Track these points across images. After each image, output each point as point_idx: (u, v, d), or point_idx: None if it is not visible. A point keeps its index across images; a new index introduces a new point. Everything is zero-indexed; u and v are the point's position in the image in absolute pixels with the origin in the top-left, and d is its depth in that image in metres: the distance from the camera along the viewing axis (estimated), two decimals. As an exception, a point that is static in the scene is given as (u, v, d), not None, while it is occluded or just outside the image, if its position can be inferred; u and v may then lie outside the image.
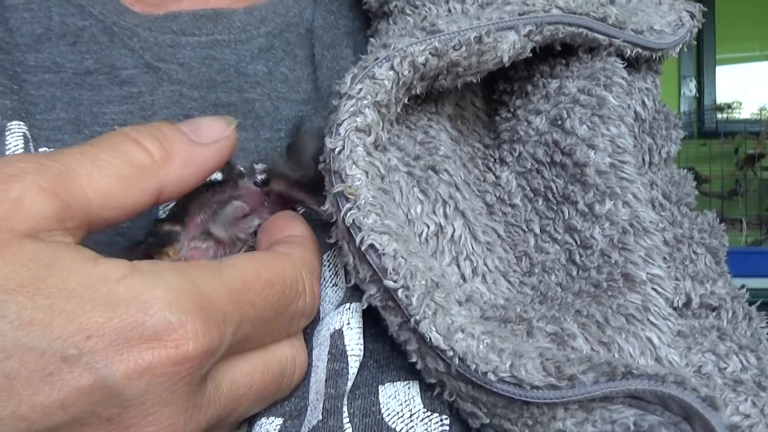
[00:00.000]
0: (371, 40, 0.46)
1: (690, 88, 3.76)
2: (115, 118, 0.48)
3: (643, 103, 0.52)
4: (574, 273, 0.45)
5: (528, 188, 0.49)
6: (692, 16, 0.54)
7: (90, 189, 0.33)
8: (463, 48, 0.44)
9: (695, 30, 0.54)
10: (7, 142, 0.44)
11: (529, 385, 0.36)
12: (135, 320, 0.31)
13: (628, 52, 0.51)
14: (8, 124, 0.45)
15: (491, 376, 0.37)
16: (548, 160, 0.48)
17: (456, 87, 0.47)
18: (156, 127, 0.37)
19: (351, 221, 0.39)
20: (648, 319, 0.42)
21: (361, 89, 0.42)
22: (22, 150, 0.44)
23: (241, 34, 0.53)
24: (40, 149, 0.46)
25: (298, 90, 0.53)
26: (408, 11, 0.50)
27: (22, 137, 0.45)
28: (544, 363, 0.37)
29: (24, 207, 0.31)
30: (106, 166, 0.34)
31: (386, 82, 0.42)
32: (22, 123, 0.45)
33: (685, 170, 0.55)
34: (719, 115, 3.76)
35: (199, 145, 0.38)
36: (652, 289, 0.43)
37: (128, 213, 0.36)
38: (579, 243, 0.46)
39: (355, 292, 0.42)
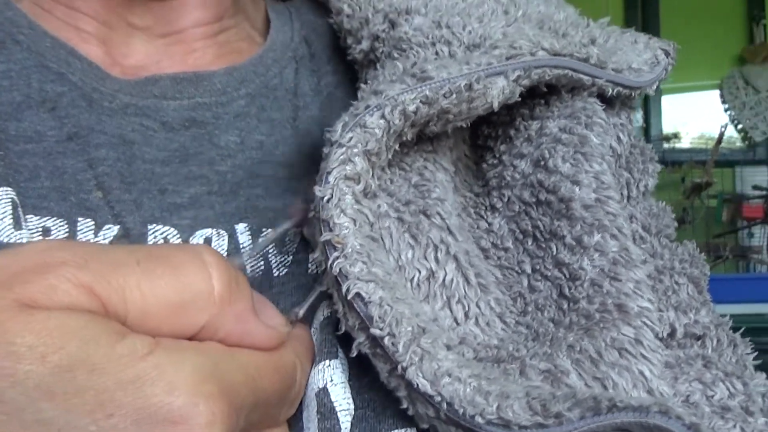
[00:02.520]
0: (362, 86, 0.46)
1: (637, 118, 3.84)
2: (96, 184, 0.47)
3: (619, 138, 0.53)
4: (565, 306, 0.45)
5: (518, 230, 0.49)
6: (667, 53, 0.55)
7: (131, 304, 0.32)
8: (454, 95, 0.44)
9: (670, 67, 0.55)
10: None
11: (516, 426, 0.37)
12: (160, 401, 0.30)
13: (610, 91, 0.52)
14: None
15: (479, 419, 0.37)
16: (534, 200, 0.49)
17: (446, 132, 0.47)
18: (233, 266, 0.36)
19: (338, 270, 0.40)
20: (640, 353, 0.42)
21: (351, 137, 0.42)
22: (10, 216, 0.44)
23: (222, 97, 0.53)
24: (27, 216, 0.45)
25: (276, 153, 0.52)
26: (395, 55, 0.50)
27: (10, 203, 0.44)
28: (530, 402, 0.37)
29: (56, 296, 0.30)
30: (157, 283, 0.32)
31: (377, 131, 0.42)
32: (9, 189, 0.45)
33: (664, 203, 0.56)
34: (665, 145, 3.84)
35: (256, 314, 0.37)
36: (642, 321, 0.43)
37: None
38: (568, 276, 0.46)
39: (331, 347, 0.43)
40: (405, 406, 0.40)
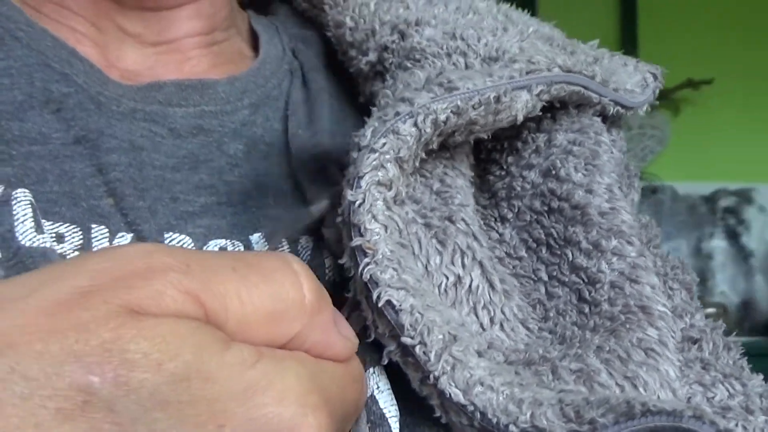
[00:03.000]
0: (385, 92, 0.46)
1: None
2: (107, 190, 0.46)
3: (613, 154, 0.53)
4: (586, 310, 0.45)
5: (530, 239, 0.49)
6: (655, 77, 0.56)
7: (231, 312, 0.31)
8: (482, 107, 0.45)
9: (657, 90, 0.56)
10: (14, 212, 0.43)
11: None
12: (271, 411, 0.29)
13: (611, 110, 0.53)
14: (13, 193, 0.43)
15: (513, 428, 0.37)
16: (546, 209, 0.49)
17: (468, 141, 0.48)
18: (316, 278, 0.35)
19: (368, 276, 0.39)
20: (666, 354, 0.42)
21: (384, 143, 0.42)
22: (31, 219, 0.43)
23: (227, 106, 0.52)
24: (42, 221, 0.44)
25: (281, 162, 0.52)
26: (408, 65, 0.51)
27: (29, 205, 0.43)
28: (563, 409, 0.37)
29: (163, 302, 0.29)
30: (254, 291, 0.31)
31: (409, 138, 0.42)
32: (26, 191, 0.43)
33: (648, 217, 0.57)
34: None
35: (336, 325, 0.36)
36: (665, 323, 0.44)
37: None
38: (586, 280, 0.46)
39: (372, 353, 0.42)
40: (439, 414, 0.39)
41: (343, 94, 0.58)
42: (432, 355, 0.38)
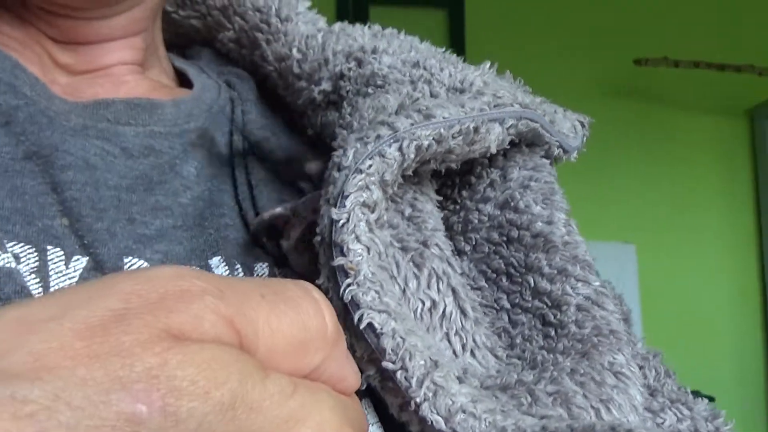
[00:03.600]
0: (363, 114, 0.47)
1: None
2: (62, 210, 0.44)
3: None
4: (552, 333, 0.46)
5: (489, 270, 0.49)
6: (582, 125, 0.56)
7: (262, 340, 0.29)
8: (461, 137, 0.45)
9: (585, 138, 0.56)
10: None
11: None
12: None
13: (555, 151, 0.53)
14: None
15: None
16: (504, 239, 0.49)
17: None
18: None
19: (350, 297, 0.39)
20: (633, 378, 0.43)
21: (371, 165, 0.42)
22: None
23: (174, 128, 0.52)
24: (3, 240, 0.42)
25: (227, 185, 0.52)
26: (369, 91, 0.51)
27: None
28: None
29: (203, 327, 0.27)
30: (283, 319, 0.30)
31: (393, 162, 0.42)
32: None
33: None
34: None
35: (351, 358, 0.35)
36: (629, 348, 0.44)
37: None
38: (550, 304, 0.46)
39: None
40: None
41: (279, 127, 0.58)
42: (413, 381, 0.38)
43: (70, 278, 0.42)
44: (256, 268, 0.49)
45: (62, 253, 0.43)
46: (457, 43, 2.77)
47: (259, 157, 0.54)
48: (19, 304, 0.27)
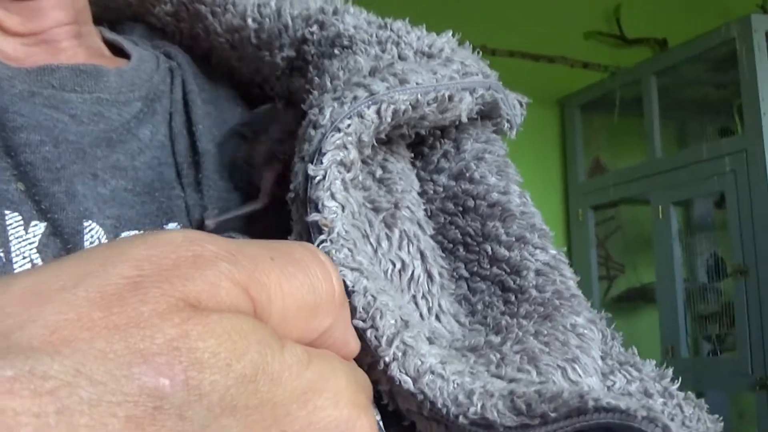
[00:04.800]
0: (336, 73, 0.46)
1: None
2: (16, 174, 0.43)
3: None
4: (512, 298, 0.45)
5: (446, 240, 0.49)
6: (521, 104, 0.56)
7: (275, 305, 0.28)
8: (436, 104, 0.45)
9: (523, 117, 0.56)
10: None
11: (501, 426, 0.36)
12: (329, 414, 0.28)
13: (505, 125, 0.53)
14: None
15: (462, 420, 0.36)
16: (460, 209, 0.49)
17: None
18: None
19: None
20: (594, 339, 0.43)
21: (350, 125, 0.42)
22: None
23: (120, 96, 0.50)
24: None
25: (171, 156, 0.50)
26: (336, 52, 0.50)
27: None
28: (514, 401, 0.36)
29: (219, 295, 0.26)
30: (293, 282, 0.29)
31: (370, 124, 0.42)
32: None
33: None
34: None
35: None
36: (588, 312, 0.45)
37: None
38: (509, 270, 0.46)
39: None
40: (386, 401, 0.39)
41: (222, 100, 0.56)
42: (383, 341, 0.37)
43: (30, 243, 0.41)
44: None
45: (20, 218, 0.42)
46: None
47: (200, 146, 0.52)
48: (27, 273, 0.25)
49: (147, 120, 0.50)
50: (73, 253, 0.27)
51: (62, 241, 0.43)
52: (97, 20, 0.57)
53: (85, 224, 0.44)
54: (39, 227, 0.42)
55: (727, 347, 2.69)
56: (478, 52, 0.53)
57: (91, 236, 0.44)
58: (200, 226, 0.48)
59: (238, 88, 0.58)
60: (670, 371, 0.49)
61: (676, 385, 0.48)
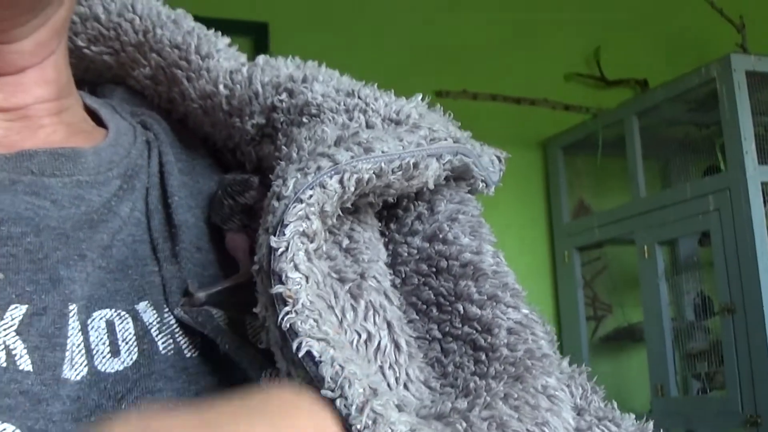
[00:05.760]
0: (302, 145, 0.46)
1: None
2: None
3: None
4: (483, 357, 0.45)
5: (419, 302, 0.49)
6: (499, 160, 0.56)
7: None
8: (401, 172, 0.45)
9: (502, 173, 0.56)
10: None
11: None
12: None
13: (480, 185, 0.53)
14: None
15: None
16: (433, 270, 0.49)
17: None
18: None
19: (288, 326, 0.39)
20: (565, 400, 0.43)
21: (311, 195, 0.42)
22: None
23: (99, 176, 0.50)
24: None
25: (147, 231, 0.51)
26: (305, 120, 0.51)
27: None
28: None
29: None
30: None
31: (333, 194, 0.43)
32: None
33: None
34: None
35: None
36: (560, 372, 0.45)
37: None
38: (480, 329, 0.46)
39: None
40: None
41: (198, 168, 0.56)
42: (353, 409, 0.37)
43: (7, 327, 0.41)
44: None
45: None
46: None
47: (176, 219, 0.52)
48: None
49: (126, 197, 0.51)
50: None
51: (48, 321, 0.43)
52: (78, 81, 0.58)
53: (70, 307, 0.44)
54: (19, 309, 0.42)
55: (717, 385, 2.68)
56: (450, 115, 0.55)
57: (74, 320, 0.44)
58: (184, 296, 0.48)
59: (213, 155, 0.59)
60: (651, 425, 0.48)
61: None
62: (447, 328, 0.48)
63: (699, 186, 2.60)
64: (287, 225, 0.41)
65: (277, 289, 0.40)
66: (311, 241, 0.42)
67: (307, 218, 0.42)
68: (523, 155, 3.11)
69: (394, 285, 0.49)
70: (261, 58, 0.56)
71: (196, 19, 0.59)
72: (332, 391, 0.37)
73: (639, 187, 2.78)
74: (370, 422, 0.37)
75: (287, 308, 0.39)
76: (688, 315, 2.86)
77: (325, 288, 0.43)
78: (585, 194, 3.18)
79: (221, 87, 0.54)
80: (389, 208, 0.52)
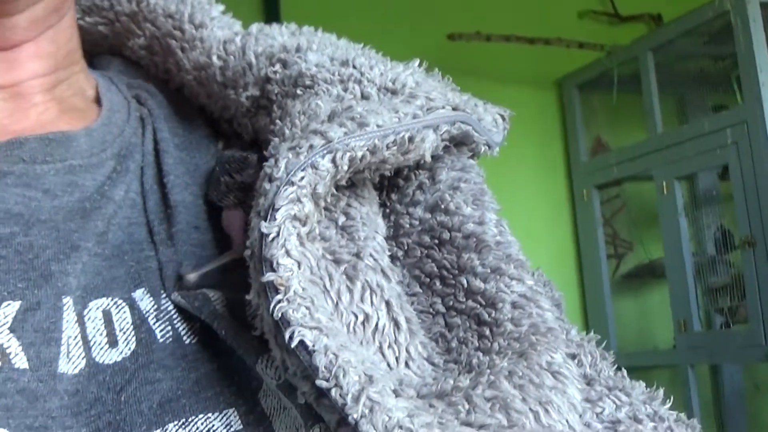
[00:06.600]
0: (293, 121, 0.45)
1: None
2: None
3: None
4: (487, 333, 0.45)
5: (423, 275, 0.48)
6: (503, 118, 0.54)
7: None
8: (396, 147, 0.44)
9: (506, 132, 0.54)
10: None
11: None
12: None
13: (482, 149, 0.52)
14: None
15: None
16: (436, 242, 0.48)
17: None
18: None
19: (279, 315, 0.38)
20: (570, 376, 0.42)
21: (303, 177, 0.41)
22: None
23: (92, 158, 0.49)
24: None
25: (143, 213, 0.51)
26: (299, 92, 0.50)
27: None
28: None
29: None
30: None
31: (326, 174, 0.42)
32: None
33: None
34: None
35: None
36: (566, 346, 0.44)
37: None
38: (484, 303, 0.46)
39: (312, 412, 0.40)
40: None
41: (194, 143, 0.56)
42: (348, 398, 0.37)
43: (0, 325, 0.41)
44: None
45: None
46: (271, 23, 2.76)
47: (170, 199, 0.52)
48: None
49: (120, 179, 0.50)
50: None
51: (43, 316, 0.42)
52: None
53: (64, 300, 0.44)
54: (12, 306, 0.42)
55: (740, 319, 2.68)
56: (449, 79, 0.53)
57: (68, 312, 0.43)
58: (178, 280, 0.48)
59: (210, 125, 0.58)
60: (661, 392, 0.48)
61: (667, 406, 0.47)
62: (451, 302, 0.47)
63: (716, 120, 2.57)
64: (278, 209, 0.40)
65: (268, 277, 0.39)
66: (303, 225, 0.41)
67: (299, 201, 0.41)
68: (539, 95, 3.08)
69: (396, 257, 0.49)
70: (254, 27, 0.55)
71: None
72: (327, 380, 0.37)
73: (656, 123, 2.75)
74: (366, 411, 0.37)
75: (278, 296, 0.39)
76: (709, 250, 2.85)
77: (319, 271, 0.42)
78: (602, 132, 3.15)
79: (215, 58, 0.54)
80: (390, 178, 0.51)
